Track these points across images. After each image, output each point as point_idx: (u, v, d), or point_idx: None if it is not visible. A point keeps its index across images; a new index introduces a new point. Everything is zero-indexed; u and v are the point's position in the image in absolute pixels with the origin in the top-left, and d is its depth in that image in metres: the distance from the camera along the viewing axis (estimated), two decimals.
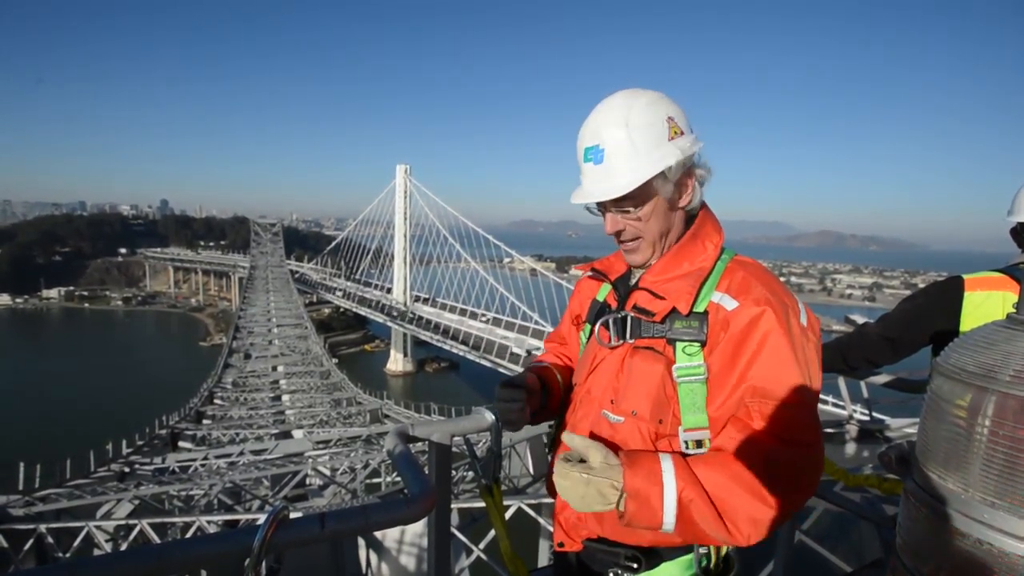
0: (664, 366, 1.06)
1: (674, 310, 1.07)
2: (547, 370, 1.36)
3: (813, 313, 1.10)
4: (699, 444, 1.04)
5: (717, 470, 0.95)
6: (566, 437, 1.03)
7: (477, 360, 40.76)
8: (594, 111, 1.10)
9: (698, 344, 1.04)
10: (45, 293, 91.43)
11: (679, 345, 1.05)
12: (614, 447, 1.03)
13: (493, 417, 1.30)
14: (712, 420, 1.03)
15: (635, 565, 1.11)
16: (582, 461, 0.98)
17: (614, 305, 1.19)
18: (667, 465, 0.95)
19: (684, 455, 1.01)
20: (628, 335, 1.12)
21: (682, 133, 1.08)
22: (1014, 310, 0.67)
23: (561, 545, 1.22)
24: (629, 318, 1.12)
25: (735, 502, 0.92)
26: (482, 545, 4.72)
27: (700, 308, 1.05)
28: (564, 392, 1.34)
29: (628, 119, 1.05)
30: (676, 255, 1.12)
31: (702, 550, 1.09)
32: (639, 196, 1.07)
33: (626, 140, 1.05)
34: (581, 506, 0.97)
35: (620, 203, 1.09)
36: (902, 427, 4.43)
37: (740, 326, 1.01)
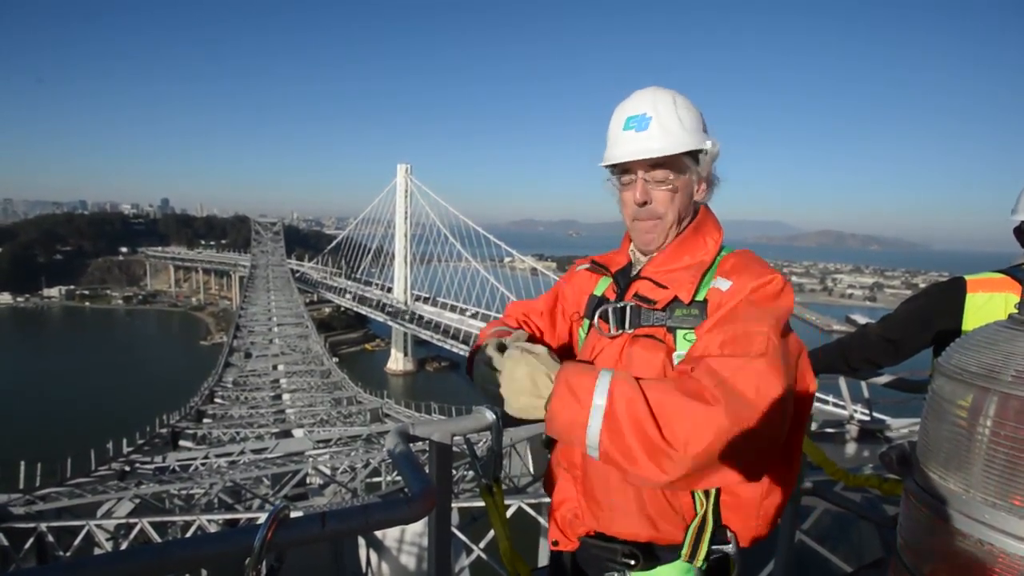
0: (664, 354, 1.06)
1: (676, 299, 1.08)
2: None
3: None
4: None
5: (661, 384, 0.91)
6: (516, 335, 1.11)
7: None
8: (638, 91, 1.15)
9: None
10: (46, 292, 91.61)
11: (679, 332, 1.05)
12: None
13: (494, 416, 1.30)
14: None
15: (632, 562, 1.10)
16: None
17: (613, 298, 1.20)
18: (605, 372, 0.93)
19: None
20: (628, 325, 1.12)
21: (708, 134, 1.14)
22: (1016, 311, 0.67)
23: (556, 544, 1.22)
24: (629, 308, 1.13)
25: (675, 408, 0.86)
26: (482, 544, 4.72)
27: (701, 296, 1.07)
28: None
29: (675, 99, 1.12)
30: (678, 248, 1.15)
31: (703, 548, 1.06)
32: (676, 167, 1.11)
33: (674, 114, 1.10)
34: (510, 391, 0.98)
35: (656, 170, 1.11)
36: (903, 427, 4.43)
37: (729, 295, 1.02)
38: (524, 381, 0.96)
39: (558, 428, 0.94)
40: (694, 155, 1.12)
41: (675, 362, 1.04)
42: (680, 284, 1.09)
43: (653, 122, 1.10)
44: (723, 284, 1.05)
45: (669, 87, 1.15)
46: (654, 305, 1.10)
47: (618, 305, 1.15)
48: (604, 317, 1.15)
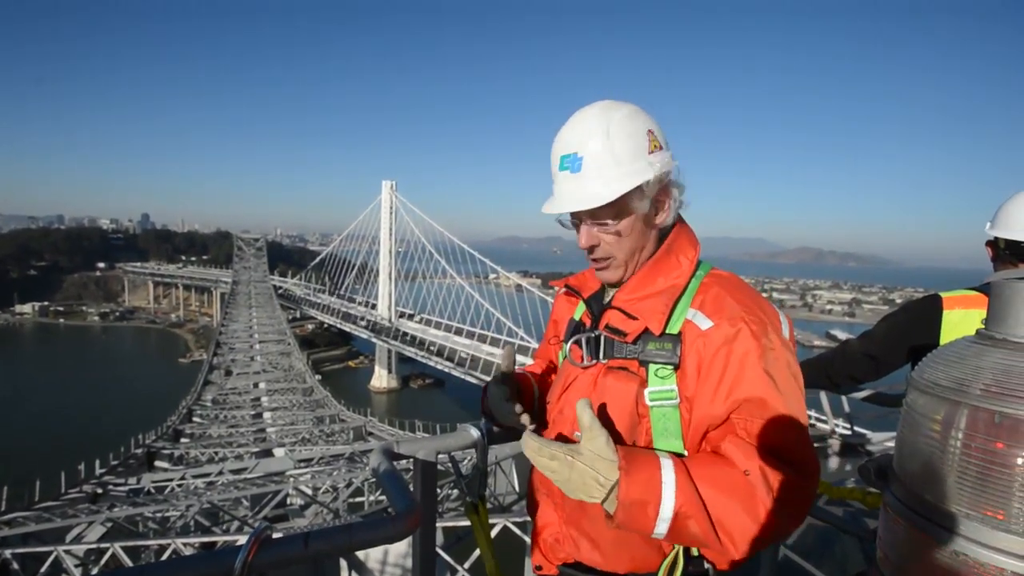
0: (636, 387, 1.02)
1: (647, 330, 1.03)
2: (523, 375, 1.35)
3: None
4: None
5: (718, 486, 0.89)
6: (581, 406, 0.93)
7: (462, 376, 40.53)
8: (571, 119, 1.06)
9: (671, 367, 1.00)
10: (18, 308, 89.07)
11: (652, 367, 1.01)
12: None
13: (479, 434, 1.30)
14: (691, 448, 1.00)
15: None
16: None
17: (588, 324, 1.16)
18: (668, 475, 0.89)
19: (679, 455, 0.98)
20: (602, 355, 1.08)
21: (660, 148, 1.05)
22: (983, 326, 0.70)
23: (540, 568, 1.19)
24: (603, 338, 1.09)
25: (733, 522, 0.88)
26: (467, 564, 4.64)
27: (674, 328, 1.01)
28: (539, 398, 1.32)
29: (608, 129, 1.02)
30: (650, 271, 1.08)
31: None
32: (617, 209, 1.03)
33: (606, 150, 1.01)
34: (567, 490, 0.93)
35: (597, 216, 1.05)
36: (882, 440, 4.49)
37: (716, 347, 0.97)
38: (576, 486, 0.91)
39: (621, 524, 0.91)
40: (641, 186, 1.03)
41: (647, 398, 1.01)
42: (651, 315, 1.03)
43: (585, 162, 1.02)
44: (702, 322, 0.99)
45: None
46: (624, 337, 1.05)
47: (591, 335, 1.11)
48: (578, 345, 1.12)
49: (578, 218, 1.09)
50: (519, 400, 1.26)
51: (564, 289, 1.27)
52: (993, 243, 1.87)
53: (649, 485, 0.88)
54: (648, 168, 1.02)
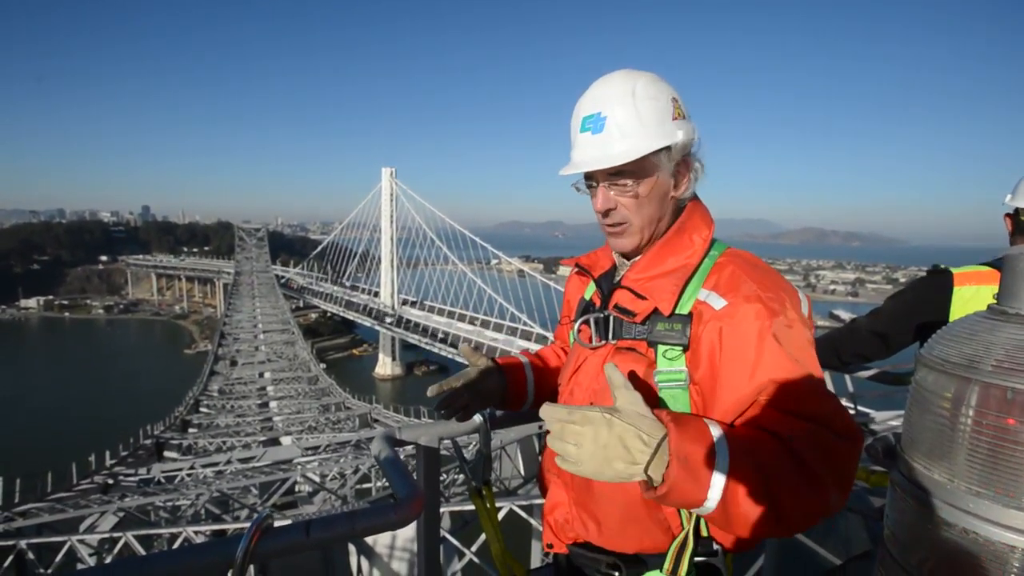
0: (645, 369, 1.00)
1: (656, 311, 1.00)
2: (516, 367, 1.36)
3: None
4: None
5: (769, 451, 0.82)
6: (610, 369, 0.85)
7: (466, 363, 40.62)
8: (595, 83, 1.05)
9: (680, 348, 0.97)
10: (23, 303, 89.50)
11: (660, 348, 0.98)
12: None
13: (480, 418, 1.29)
14: None
15: (615, 573, 1.06)
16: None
17: (599, 304, 1.13)
18: (717, 431, 0.81)
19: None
20: (611, 335, 1.06)
21: (684, 117, 1.03)
22: (995, 301, 0.68)
23: (551, 547, 1.19)
24: (612, 318, 1.06)
25: (786, 491, 0.80)
26: (474, 548, 4.70)
27: (685, 309, 0.98)
28: (538, 389, 1.34)
29: (634, 90, 1.00)
30: (661, 250, 1.05)
31: (684, 563, 0.98)
32: (638, 171, 1.01)
33: (631, 109, 0.99)
34: (593, 466, 0.79)
35: (617, 177, 1.02)
36: (887, 419, 4.49)
37: (734, 326, 0.92)
38: (614, 451, 0.78)
39: (668, 501, 0.80)
40: (665, 150, 1.01)
41: (656, 378, 0.98)
42: (660, 294, 1.00)
43: (608, 122, 1.00)
44: (715, 301, 0.95)
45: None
46: (633, 318, 1.02)
47: (600, 315, 1.09)
48: (588, 325, 1.10)
49: (595, 180, 1.05)
50: (507, 388, 1.29)
51: (576, 269, 1.25)
52: (1013, 215, 1.80)
53: (701, 436, 0.80)
54: (673, 132, 1.01)
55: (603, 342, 1.08)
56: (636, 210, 1.04)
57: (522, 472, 8.04)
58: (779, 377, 0.89)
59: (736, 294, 0.94)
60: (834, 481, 0.83)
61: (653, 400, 0.98)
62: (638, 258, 1.09)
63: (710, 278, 1.00)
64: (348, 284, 63.82)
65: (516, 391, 1.34)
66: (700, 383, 0.96)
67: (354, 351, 67.39)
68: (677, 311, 0.98)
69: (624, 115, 0.99)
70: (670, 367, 0.98)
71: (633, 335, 1.03)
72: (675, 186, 1.06)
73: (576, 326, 1.14)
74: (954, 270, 1.75)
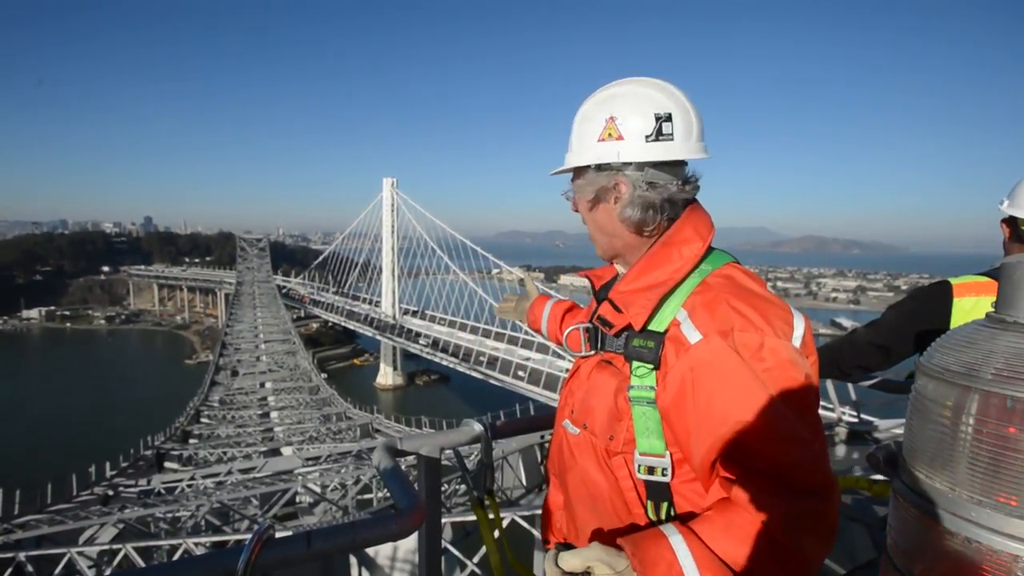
0: (618, 383, 1.00)
1: (629, 325, 0.99)
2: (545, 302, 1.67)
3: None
4: (651, 471, 0.96)
5: (735, 542, 0.83)
6: (564, 558, 0.85)
7: (467, 372, 40.59)
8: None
9: (651, 366, 0.95)
10: (25, 313, 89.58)
11: (634, 364, 0.98)
12: (608, 518, 1.01)
13: (481, 428, 1.29)
14: (676, 461, 0.96)
15: None
16: (586, 573, 0.84)
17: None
18: (686, 560, 0.82)
19: (683, 519, 0.92)
20: (599, 346, 1.08)
21: (620, 137, 1.01)
22: (993, 310, 0.68)
23: (547, 543, 1.22)
24: (599, 329, 1.07)
25: (768, 572, 0.83)
26: (476, 559, 4.66)
27: (660, 326, 0.96)
28: (549, 323, 1.63)
29: (583, 110, 1.07)
30: (646, 263, 1.04)
31: None
32: (578, 188, 1.10)
33: (575, 127, 1.08)
34: None
35: (575, 187, 1.11)
36: (890, 428, 4.47)
37: (703, 368, 0.90)
38: None
39: None
40: (594, 168, 1.04)
41: (629, 393, 0.97)
42: (634, 309, 0.99)
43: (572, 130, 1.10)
44: (690, 333, 0.92)
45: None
46: (611, 329, 1.02)
47: (585, 325, 1.11)
48: (578, 333, 1.13)
49: None
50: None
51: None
52: (1010, 222, 1.78)
53: (670, 572, 0.82)
54: (586, 157, 1.05)
55: (592, 352, 1.10)
56: (589, 224, 1.12)
57: (524, 482, 7.99)
58: (747, 427, 0.86)
59: (710, 326, 0.91)
60: (812, 548, 0.85)
61: (625, 416, 0.99)
62: (626, 271, 1.09)
63: (692, 297, 0.97)
64: (350, 294, 63.83)
65: (535, 318, 1.68)
66: (666, 414, 0.95)
67: (355, 361, 67.30)
68: (651, 327, 0.97)
69: (573, 132, 1.09)
70: (641, 383, 0.96)
71: (613, 348, 1.04)
72: (613, 205, 1.05)
73: (566, 333, 1.17)
74: (953, 281, 1.75)
